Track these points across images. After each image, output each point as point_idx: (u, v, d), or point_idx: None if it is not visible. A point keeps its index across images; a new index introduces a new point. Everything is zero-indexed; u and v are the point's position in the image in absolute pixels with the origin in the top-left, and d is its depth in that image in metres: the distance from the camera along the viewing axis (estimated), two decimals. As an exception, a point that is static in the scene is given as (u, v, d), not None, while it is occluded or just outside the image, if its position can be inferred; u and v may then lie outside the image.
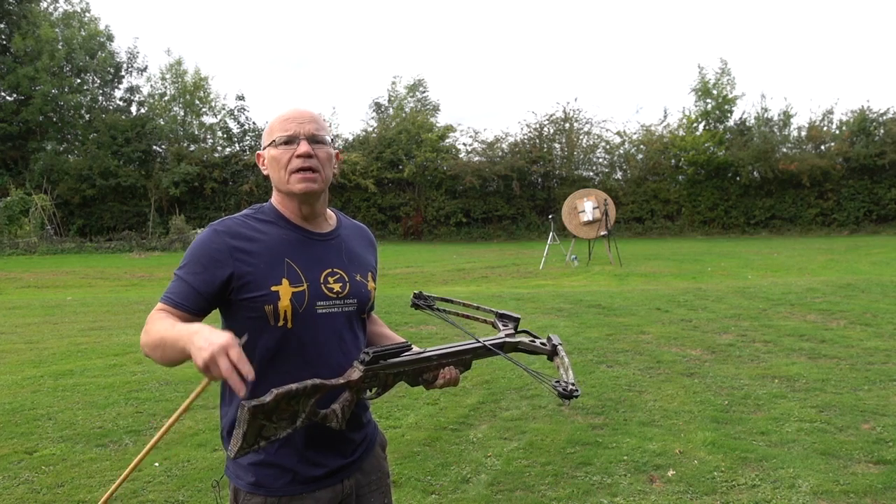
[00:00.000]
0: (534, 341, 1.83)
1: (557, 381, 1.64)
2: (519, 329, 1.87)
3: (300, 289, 1.60)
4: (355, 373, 1.52)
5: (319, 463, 1.62)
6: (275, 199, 1.72)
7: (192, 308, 1.57)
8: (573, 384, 1.64)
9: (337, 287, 1.66)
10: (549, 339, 1.84)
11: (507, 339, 1.77)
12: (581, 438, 4.29)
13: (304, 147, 1.62)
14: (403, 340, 1.70)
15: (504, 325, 1.86)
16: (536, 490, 3.59)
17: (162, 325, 1.51)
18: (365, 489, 1.74)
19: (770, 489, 3.52)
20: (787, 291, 9.90)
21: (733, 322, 7.90)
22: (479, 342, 1.70)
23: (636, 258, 17.36)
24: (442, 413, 4.81)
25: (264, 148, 1.68)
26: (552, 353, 1.82)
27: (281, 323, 1.57)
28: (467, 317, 1.96)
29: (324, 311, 1.63)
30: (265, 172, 1.70)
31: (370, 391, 1.57)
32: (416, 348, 1.65)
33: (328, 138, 1.69)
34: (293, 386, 1.41)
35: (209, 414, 4.90)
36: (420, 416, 4.73)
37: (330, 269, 1.67)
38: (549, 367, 1.83)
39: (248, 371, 1.32)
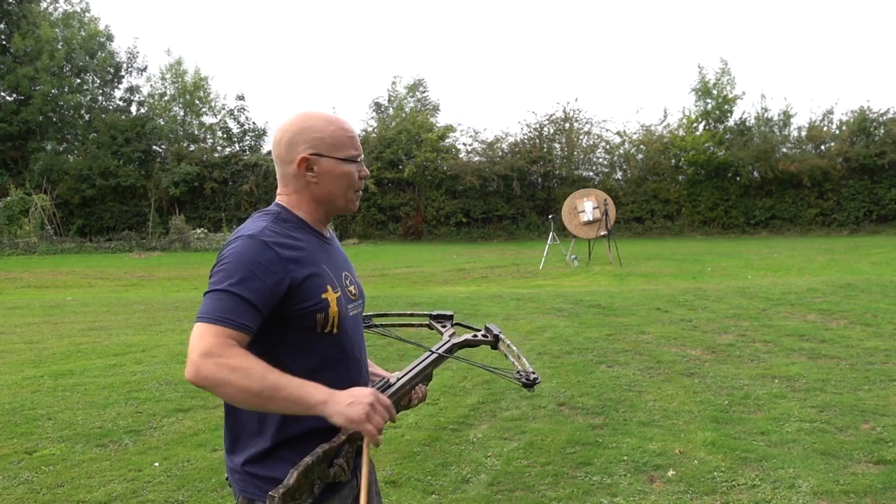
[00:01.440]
0: (475, 335, 1.88)
1: (518, 373, 1.70)
2: (454, 323, 1.92)
3: (338, 294, 1.61)
4: None
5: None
6: (295, 205, 1.64)
7: (254, 329, 1.47)
8: (532, 371, 1.70)
9: (352, 289, 1.70)
10: (487, 328, 1.89)
11: (453, 341, 1.82)
12: (581, 438, 4.29)
13: (366, 170, 1.67)
14: (383, 375, 1.75)
15: (443, 326, 1.89)
16: (536, 490, 3.59)
17: (270, 372, 1.40)
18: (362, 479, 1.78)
19: (770, 489, 3.52)
20: (787, 291, 9.89)
21: (733, 322, 7.90)
22: (433, 353, 1.75)
23: (636, 258, 17.36)
24: (442, 413, 4.81)
25: (322, 156, 1.60)
26: (495, 343, 1.87)
27: (328, 329, 1.56)
28: (404, 325, 1.99)
29: (352, 313, 1.67)
30: (312, 179, 1.61)
31: (361, 438, 1.60)
32: (391, 377, 1.70)
33: None
34: (308, 459, 1.43)
35: (209, 414, 4.91)
36: (420, 416, 4.73)
37: (345, 272, 1.70)
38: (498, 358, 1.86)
39: (394, 416, 1.48)
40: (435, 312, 1.93)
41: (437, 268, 16.40)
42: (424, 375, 1.73)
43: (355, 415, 1.40)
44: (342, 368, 1.60)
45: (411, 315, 1.98)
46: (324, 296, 1.56)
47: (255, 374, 1.39)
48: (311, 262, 1.57)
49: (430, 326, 1.94)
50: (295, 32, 60.56)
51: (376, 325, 1.94)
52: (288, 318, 1.53)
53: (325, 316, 1.55)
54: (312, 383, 1.44)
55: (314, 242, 1.63)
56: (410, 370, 1.71)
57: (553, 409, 4.89)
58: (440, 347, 1.78)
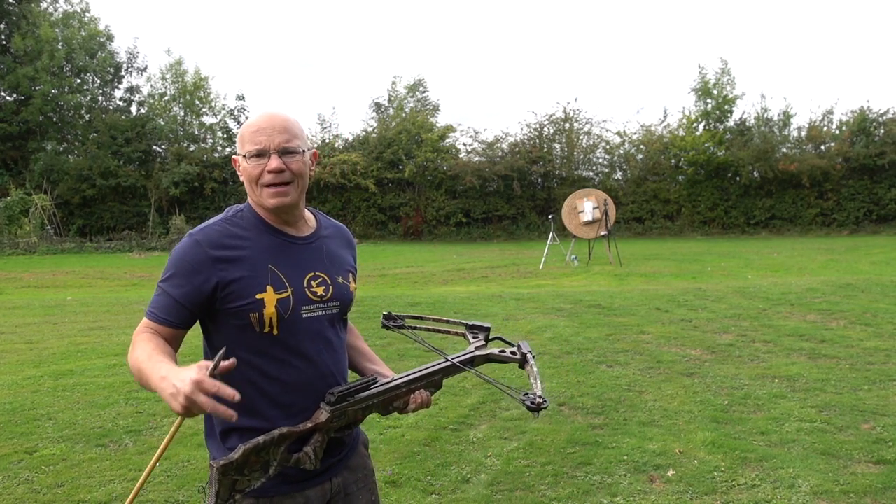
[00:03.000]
0: (504, 351, 1.83)
1: (525, 395, 1.66)
2: (491, 337, 1.87)
3: (285, 295, 1.60)
4: (322, 414, 1.55)
5: None
6: (252, 203, 1.71)
7: (176, 322, 1.58)
8: (541, 396, 1.65)
9: (320, 291, 1.67)
10: (518, 346, 1.84)
11: (478, 353, 1.78)
12: (581, 438, 4.29)
13: (274, 163, 1.60)
14: (376, 372, 1.74)
15: (475, 337, 1.86)
16: (536, 490, 3.60)
17: (142, 353, 1.50)
18: (353, 487, 1.75)
19: (770, 489, 3.52)
20: (787, 291, 9.89)
21: (733, 322, 7.90)
22: (447, 360, 1.72)
23: (636, 258, 17.36)
24: (442, 413, 4.81)
25: (238, 155, 1.67)
26: (522, 362, 1.82)
27: (266, 330, 1.58)
28: (438, 331, 1.96)
29: (309, 315, 1.63)
30: (241, 178, 1.69)
31: (343, 430, 1.60)
32: (386, 374, 1.68)
33: (301, 146, 1.65)
34: (260, 439, 1.43)
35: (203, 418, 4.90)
36: (420, 416, 4.73)
37: (313, 273, 1.67)
38: (521, 377, 1.83)
39: (233, 394, 1.30)
40: (471, 323, 1.89)
41: (437, 268, 16.40)
42: (430, 381, 1.69)
43: (175, 407, 1.30)
44: (290, 369, 1.60)
45: (447, 322, 1.95)
46: (258, 296, 1.57)
47: (134, 357, 1.51)
48: (248, 263, 1.59)
49: (464, 336, 1.91)
50: (295, 32, 60.57)
51: (407, 327, 1.90)
52: (222, 314, 1.59)
53: (260, 316, 1.57)
54: (166, 366, 1.39)
55: (266, 241, 1.64)
56: (412, 373, 1.68)
57: (553, 409, 4.89)
58: (458, 357, 1.74)
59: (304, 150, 1.65)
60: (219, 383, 1.30)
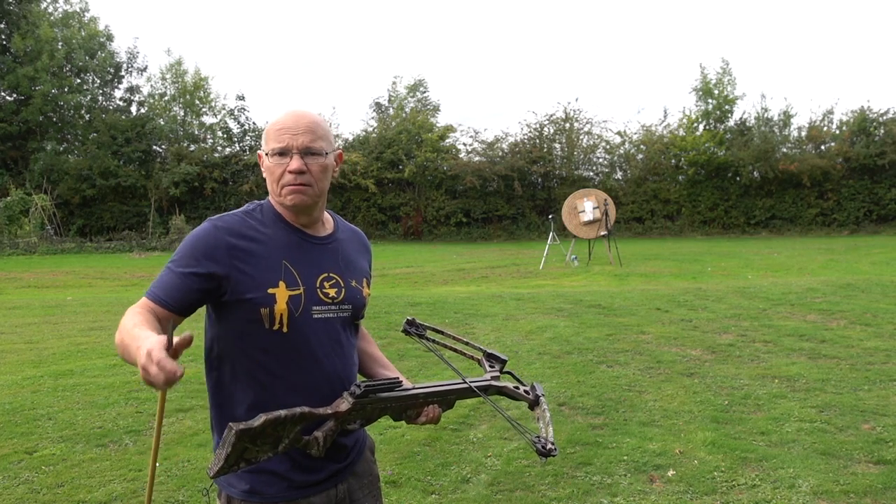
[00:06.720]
0: (518, 387, 1.82)
1: (538, 437, 1.65)
2: (504, 370, 1.86)
3: (296, 292, 1.58)
4: (344, 404, 1.53)
5: (313, 469, 1.61)
6: (273, 200, 1.69)
7: (174, 305, 1.51)
8: (552, 443, 1.65)
9: (332, 292, 1.65)
10: (532, 387, 1.83)
11: (493, 383, 1.78)
12: (581, 438, 4.29)
13: (295, 163, 1.58)
14: (396, 375, 1.73)
15: (490, 366, 1.85)
16: (536, 490, 3.59)
17: (124, 328, 1.42)
18: (358, 493, 1.74)
19: (770, 489, 3.52)
20: (787, 291, 9.90)
21: (733, 322, 7.90)
22: (465, 383, 1.72)
23: (636, 258, 17.36)
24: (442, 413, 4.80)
25: (262, 152, 1.66)
26: (534, 403, 1.81)
27: (276, 326, 1.55)
28: (454, 350, 1.95)
29: (319, 315, 1.62)
30: (265, 174, 1.67)
31: (354, 423, 1.58)
32: (406, 382, 1.66)
33: (325, 148, 1.62)
34: (282, 412, 1.42)
35: (209, 414, 4.90)
36: (420, 416, 4.72)
37: (326, 274, 1.65)
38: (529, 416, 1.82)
39: (173, 368, 1.20)
40: (489, 351, 1.88)
41: (437, 268, 16.40)
42: (445, 399, 1.70)
43: (142, 377, 1.23)
44: (295, 368, 1.58)
45: (466, 343, 1.93)
46: (270, 291, 1.55)
47: (120, 330, 1.44)
48: (263, 256, 1.57)
49: (479, 362, 1.89)
50: (295, 32, 60.58)
51: (427, 339, 1.88)
52: (233, 307, 1.55)
53: (270, 312, 1.54)
54: (145, 337, 1.31)
55: (283, 238, 1.62)
56: (431, 385, 1.68)
57: (553, 409, 4.89)
58: (475, 382, 1.74)
59: (327, 153, 1.63)
60: (162, 354, 1.21)
